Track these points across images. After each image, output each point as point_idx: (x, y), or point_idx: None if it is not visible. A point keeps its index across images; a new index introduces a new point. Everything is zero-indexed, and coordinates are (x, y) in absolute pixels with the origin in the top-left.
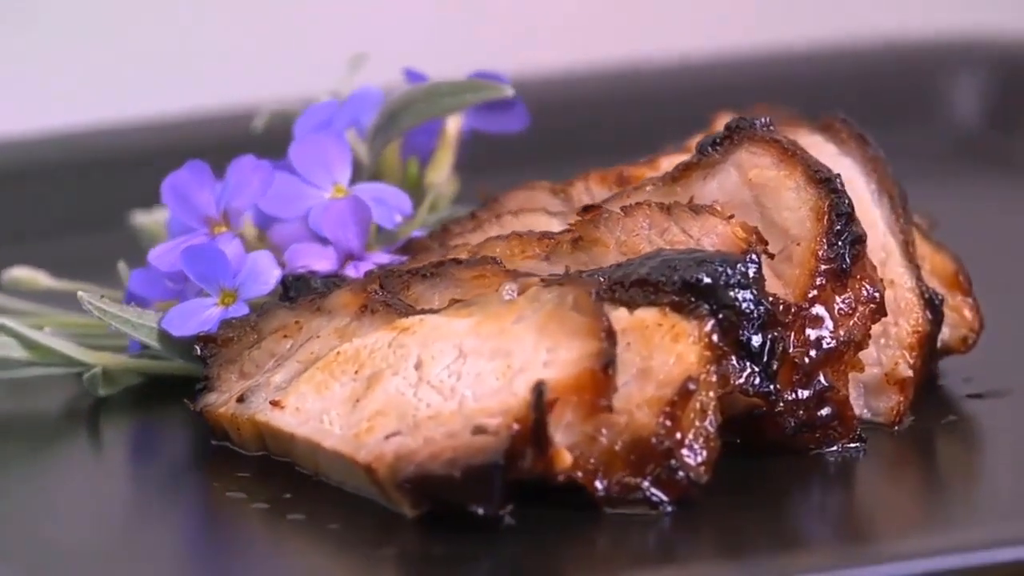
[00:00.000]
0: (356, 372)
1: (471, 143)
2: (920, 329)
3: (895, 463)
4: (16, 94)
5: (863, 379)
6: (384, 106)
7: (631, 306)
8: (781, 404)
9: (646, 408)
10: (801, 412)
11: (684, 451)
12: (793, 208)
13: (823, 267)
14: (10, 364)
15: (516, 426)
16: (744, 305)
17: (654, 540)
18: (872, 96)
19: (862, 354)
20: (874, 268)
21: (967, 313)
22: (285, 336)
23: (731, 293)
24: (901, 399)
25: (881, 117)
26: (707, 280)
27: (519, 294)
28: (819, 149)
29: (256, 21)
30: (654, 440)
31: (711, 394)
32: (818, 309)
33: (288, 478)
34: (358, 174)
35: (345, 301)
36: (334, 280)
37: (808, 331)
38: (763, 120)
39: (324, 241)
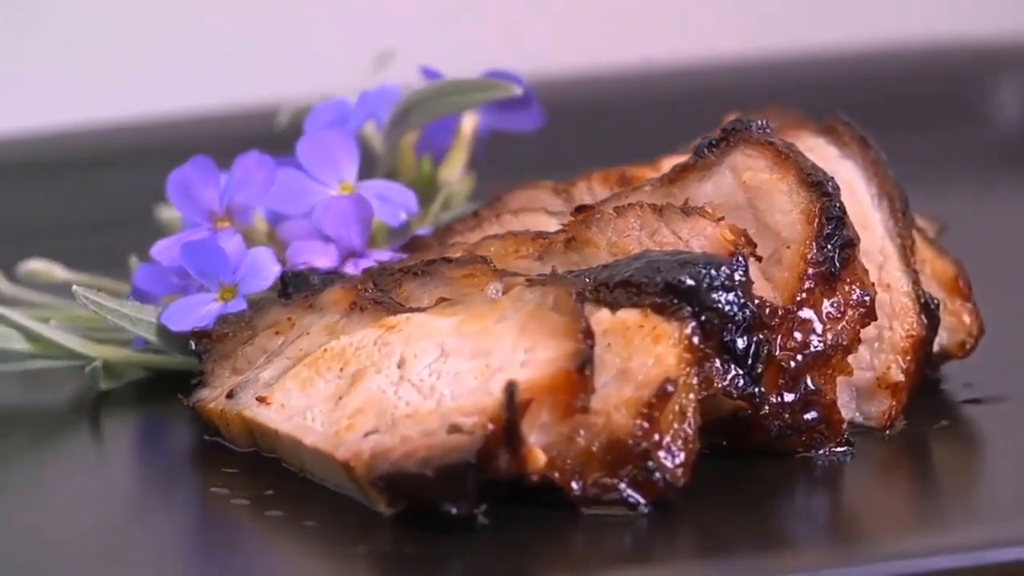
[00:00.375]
0: (341, 369)
1: (491, 143)
2: (914, 333)
3: (883, 466)
4: (57, 89)
5: (856, 383)
6: (398, 103)
7: (614, 307)
8: (766, 407)
9: (624, 409)
10: (786, 415)
11: (661, 453)
12: (785, 211)
13: (812, 270)
14: (13, 356)
15: (491, 426)
16: (727, 307)
17: (631, 540)
18: (915, 100)
19: (856, 358)
20: (865, 272)
21: (966, 318)
22: (277, 333)
23: (714, 295)
24: (893, 403)
25: (924, 121)
26: (689, 282)
27: (503, 294)
28: (821, 152)
29: (284, 17)
30: (631, 441)
31: (691, 396)
32: (806, 312)
33: (274, 475)
34: (374, 170)
35: (336, 298)
36: (332, 277)
37: (795, 334)
38: (759, 122)
39: (328, 238)
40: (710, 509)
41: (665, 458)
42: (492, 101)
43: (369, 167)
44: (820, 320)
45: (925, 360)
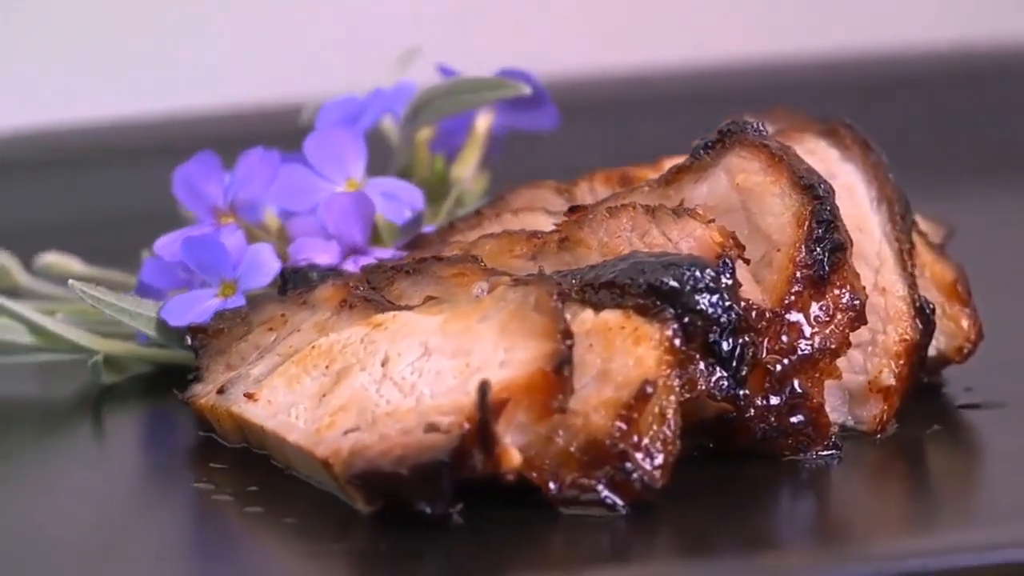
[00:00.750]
0: (327, 367)
1: (510, 142)
2: (907, 338)
3: (873, 469)
4: (83, 84)
5: (848, 386)
6: (411, 101)
7: (598, 308)
8: (751, 410)
9: (602, 410)
10: (771, 418)
11: (639, 454)
12: (777, 214)
13: (800, 273)
14: (17, 349)
15: (467, 425)
16: (711, 310)
17: (609, 541)
18: (924, 104)
19: (849, 361)
20: (857, 276)
21: (964, 323)
22: (270, 329)
23: (697, 297)
24: (884, 407)
25: (933, 124)
26: (673, 284)
27: (489, 293)
28: (823, 154)
29: (312, 13)
30: (608, 442)
31: (671, 398)
32: (794, 315)
33: (261, 471)
34: (390, 166)
35: (328, 295)
36: (331, 274)
37: (783, 337)
38: (755, 124)
39: (331, 235)
40: (693, 510)
41: (643, 459)
42: (505, 100)
43: (388, 163)
44: (808, 323)
45: (919, 365)
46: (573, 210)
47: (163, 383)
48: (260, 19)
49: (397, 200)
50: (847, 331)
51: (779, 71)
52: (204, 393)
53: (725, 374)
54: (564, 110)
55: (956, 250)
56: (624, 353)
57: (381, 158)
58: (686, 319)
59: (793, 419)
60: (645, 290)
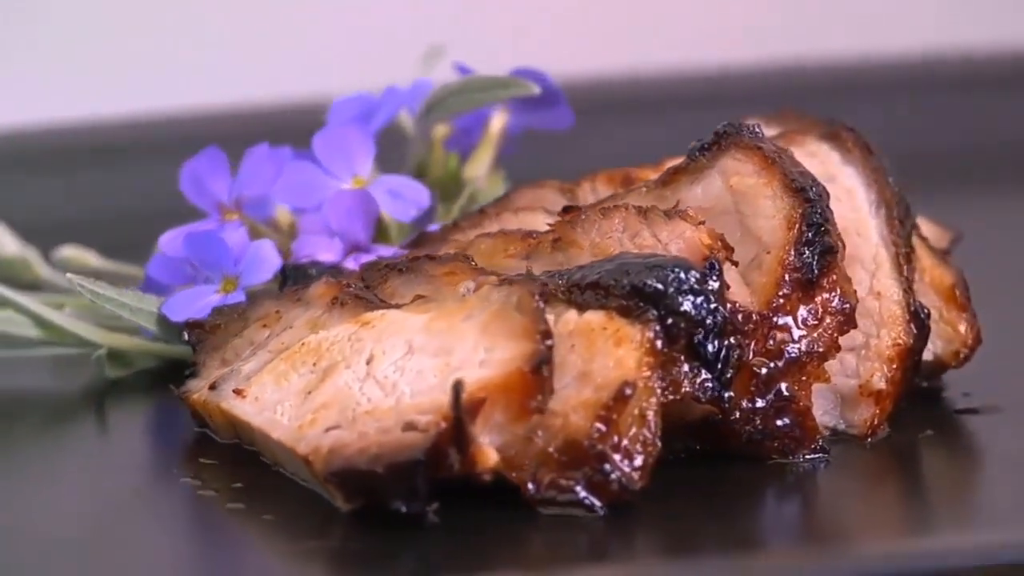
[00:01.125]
0: (315, 364)
1: (526, 141)
2: (901, 342)
3: (861, 473)
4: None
5: (840, 390)
6: (425, 99)
7: (583, 308)
8: (737, 412)
9: (581, 411)
10: (757, 420)
11: (618, 455)
12: (768, 216)
13: (789, 276)
14: (23, 342)
15: (444, 424)
16: (695, 312)
17: (587, 540)
18: (928, 108)
19: (842, 365)
20: (847, 279)
21: (962, 328)
22: (264, 325)
23: (680, 299)
24: (876, 411)
25: (937, 129)
26: (657, 285)
27: (475, 292)
28: (824, 157)
29: (318, 12)
30: (587, 443)
31: (652, 400)
32: (782, 318)
33: (249, 468)
34: (404, 163)
35: (320, 292)
36: (332, 271)
37: (770, 340)
38: (751, 126)
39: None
40: (677, 510)
41: (622, 461)
42: (520, 99)
43: (405, 161)
44: (796, 326)
45: (913, 369)
46: (568, 210)
47: (169, 378)
48: (276, 16)
49: (403, 198)
50: (836, 335)
51: (792, 73)
52: (197, 389)
53: (710, 376)
54: (580, 111)
55: (958, 254)
56: (605, 354)
57: (402, 155)
58: (669, 321)
59: (779, 422)
60: (629, 291)
